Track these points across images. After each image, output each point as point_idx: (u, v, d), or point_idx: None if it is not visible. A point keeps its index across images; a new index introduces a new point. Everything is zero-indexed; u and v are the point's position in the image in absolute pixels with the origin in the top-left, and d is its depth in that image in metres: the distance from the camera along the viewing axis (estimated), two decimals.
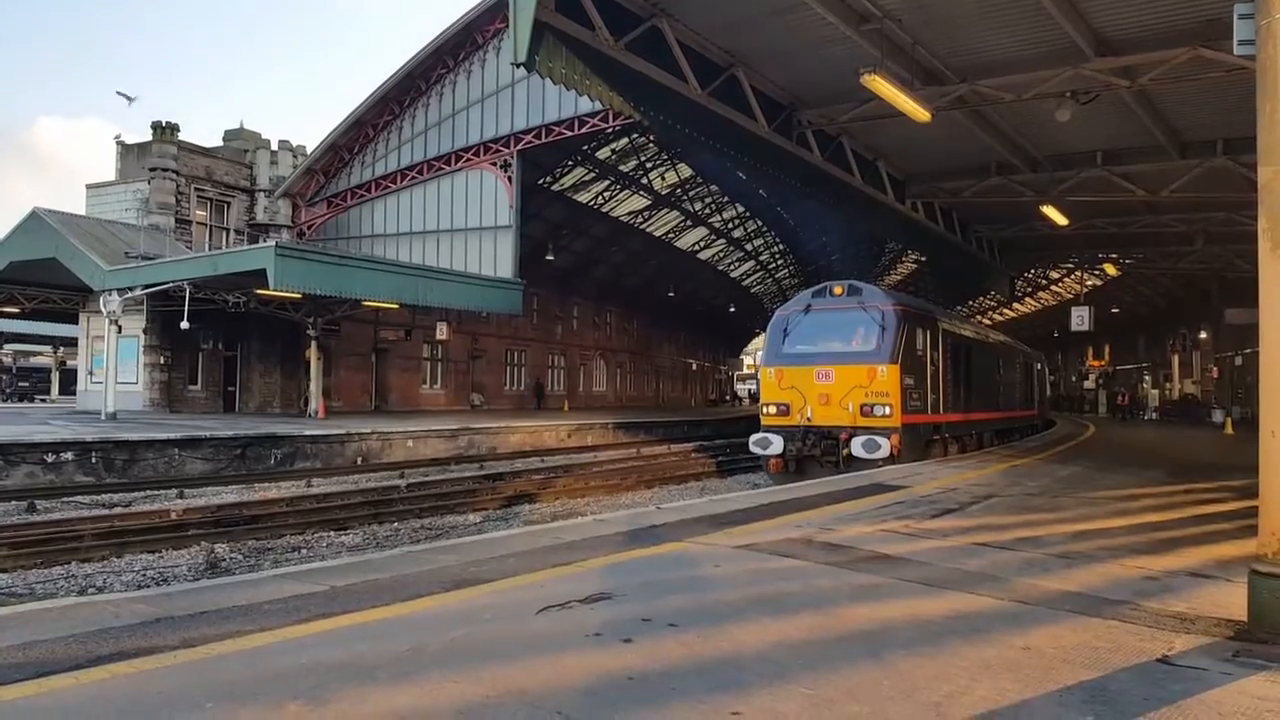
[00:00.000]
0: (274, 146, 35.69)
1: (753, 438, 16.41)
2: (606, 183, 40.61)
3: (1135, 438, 26.77)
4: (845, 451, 15.06)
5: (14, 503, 14.69)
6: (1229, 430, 29.61)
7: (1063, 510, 9.65)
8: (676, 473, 22.24)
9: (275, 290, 22.77)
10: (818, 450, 15.58)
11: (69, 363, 47.88)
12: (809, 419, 15.75)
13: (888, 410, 15.14)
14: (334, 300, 26.07)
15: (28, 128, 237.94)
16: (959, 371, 18.80)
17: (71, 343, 39.61)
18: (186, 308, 23.36)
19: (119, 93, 33.42)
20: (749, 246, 55.75)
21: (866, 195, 20.26)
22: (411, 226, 33.63)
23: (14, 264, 26.92)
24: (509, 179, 30.76)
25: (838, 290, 16.72)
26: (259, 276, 22.03)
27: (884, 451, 14.55)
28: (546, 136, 29.92)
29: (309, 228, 35.47)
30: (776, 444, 15.81)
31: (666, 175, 41.66)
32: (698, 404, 64.99)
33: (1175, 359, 51.02)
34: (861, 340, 15.81)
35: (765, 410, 16.54)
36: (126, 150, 33.40)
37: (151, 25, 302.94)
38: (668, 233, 48.98)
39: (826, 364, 15.90)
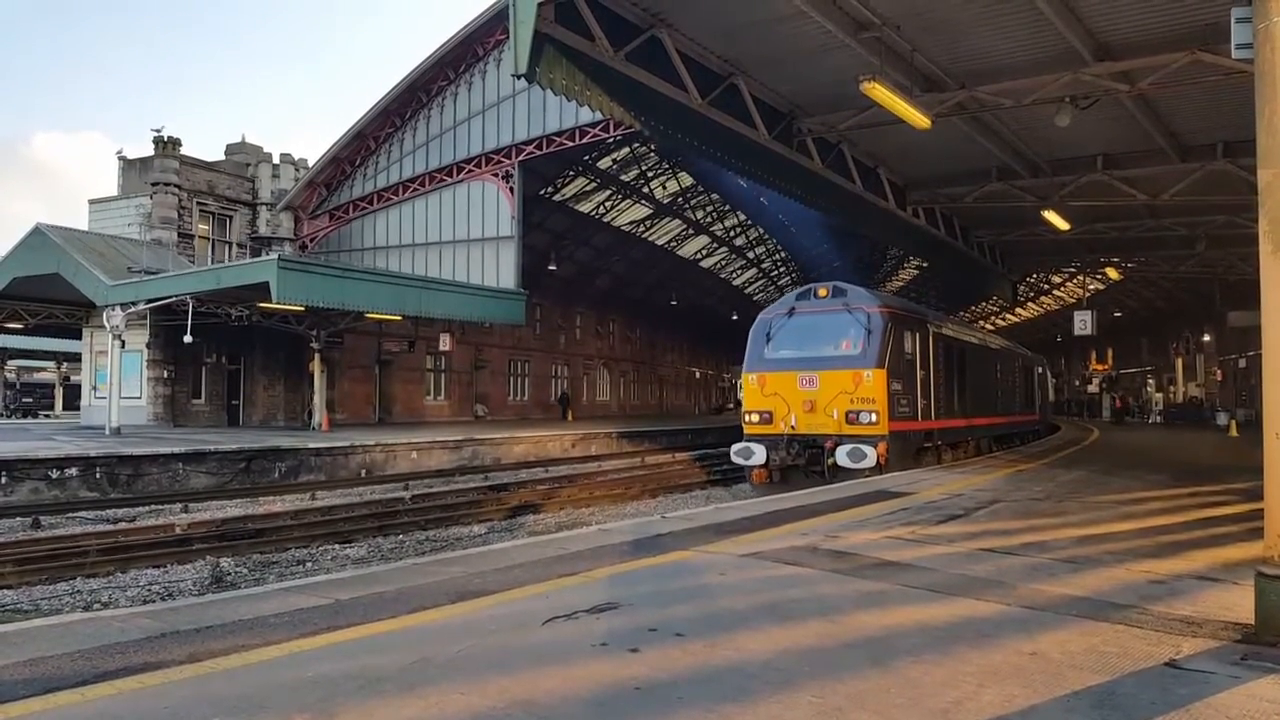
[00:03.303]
0: (275, 160, 35.81)
1: (734, 447, 15.97)
2: (608, 192, 40.73)
3: (1139, 441, 26.71)
4: (830, 461, 14.58)
5: (19, 519, 14.71)
6: (1234, 433, 29.53)
7: (1068, 515, 9.63)
8: (681, 481, 22.23)
9: (278, 303, 22.82)
10: (802, 460, 15.10)
11: (72, 378, 47.96)
12: (793, 427, 15.24)
13: (874, 417, 14.63)
14: (337, 312, 26.12)
15: (26, 142, 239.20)
16: (952, 376, 18.35)
17: (75, 358, 39.68)
18: (189, 321, 23.44)
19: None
20: (751, 254, 55.85)
21: (867, 202, 20.26)
22: (414, 238, 33.72)
23: (17, 279, 26.99)
24: (510, 190, 30.85)
25: (822, 292, 16.27)
26: (262, 290, 22.09)
27: (870, 460, 14.08)
28: (547, 147, 30.00)
29: (311, 240, 35.56)
30: (759, 454, 15.34)
31: (668, 184, 41.79)
32: (701, 412, 64.96)
33: (1179, 362, 51.00)
34: (846, 344, 15.31)
35: (747, 418, 16.08)
36: (129, 165, 33.54)
37: (148, 40, 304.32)
38: (669, 241, 49.08)
39: (810, 369, 15.39)
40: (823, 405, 15.09)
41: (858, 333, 15.23)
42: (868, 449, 14.15)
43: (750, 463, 15.59)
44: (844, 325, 15.48)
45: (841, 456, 14.33)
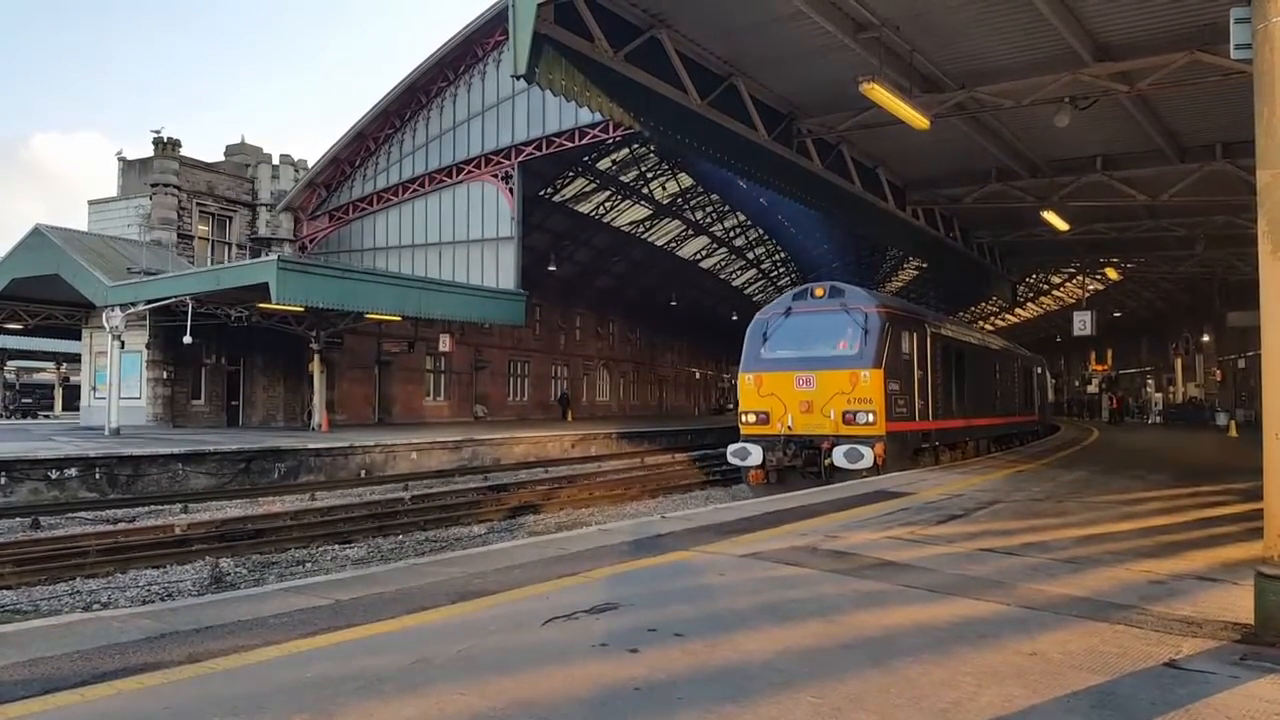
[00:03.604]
0: (275, 160, 35.82)
1: (730, 448, 15.85)
2: (608, 193, 40.76)
3: (1139, 442, 26.71)
4: (827, 462, 14.46)
5: (18, 519, 14.71)
6: (1233, 433, 29.53)
7: (1068, 515, 9.63)
8: (681, 482, 22.23)
9: (277, 304, 22.83)
10: (799, 461, 14.98)
11: (72, 379, 47.95)
12: (789, 428, 15.11)
13: (871, 418, 14.50)
14: (336, 313, 26.13)
15: (24, 143, 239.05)
16: (950, 376, 18.24)
17: (74, 359, 39.68)
18: (189, 322, 23.44)
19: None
20: (750, 255, 55.88)
21: (867, 202, 20.26)
22: (414, 239, 33.73)
23: (17, 280, 27.02)
24: (510, 190, 30.85)
25: (819, 292, 16.16)
26: (261, 290, 22.09)
27: (867, 461, 13.94)
28: (547, 148, 30.01)
29: (311, 241, 35.56)
30: (755, 454, 15.21)
31: (667, 185, 41.82)
32: (701, 412, 64.96)
33: (1178, 362, 50.99)
34: (843, 344, 15.20)
35: (744, 419, 15.96)
36: (128, 166, 33.55)
37: (147, 40, 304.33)
38: (669, 242, 49.09)
39: (807, 369, 15.27)
40: (820, 406, 14.98)
41: (855, 333, 15.12)
42: (865, 450, 14.02)
43: (746, 463, 15.43)
44: (841, 325, 15.36)
45: (838, 457, 14.22)
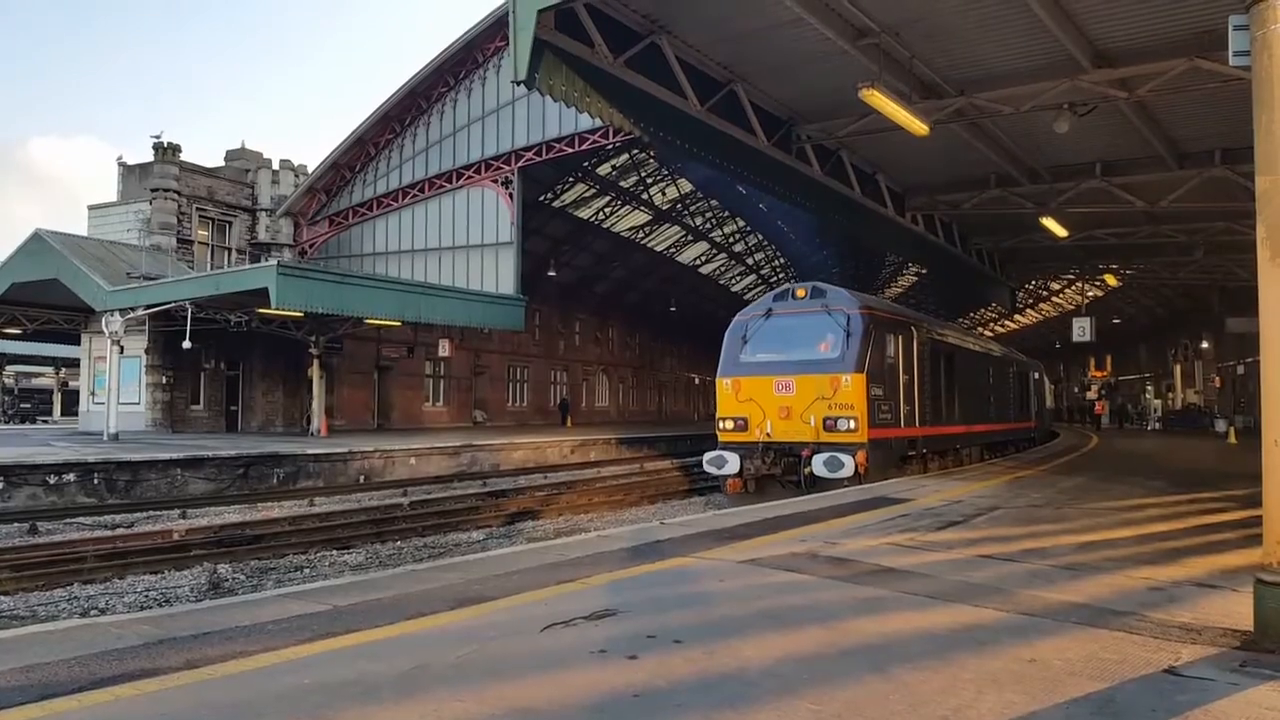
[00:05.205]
0: (275, 166, 35.87)
1: (706, 456, 15.25)
2: (607, 198, 40.81)
3: (1138, 448, 26.70)
4: (807, 470, 13.85)
5: (16, 524, 14.67)
6: (1232, 440, 29.49)
7: (1067, 521, 9.62)
8: (680, 487, 22.17)
9: (277, 309, 22.81)
10: (778, 469, 14.41)
11: (71, 383, 47.96)
12: (768, 434, 14.54)
13: (853, 424, 13.89)
14: (336, 318, 26.13)
15: (22, 147, 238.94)
16: (939, 381, 17.64)
17: (73, 363, 39.67)
18: (188, 327, 23.42)
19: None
20: (750, 261, 55.91)
21: (866, 208, 20.30)
22: (413, 244, 33.75)
23: (16, 285, 27.00)
24: (510, 196, 30.89)
25: (800, 293, 15.58)
26: (261, 295, 22.09)
27: (848, 470, 13.34)
28: (547, 153, 30.06)
29: (310, 246, 35.59)
30: (733, 463, 14.55)
31: (667, 190, 41.87)
32: (700, 417, 64.90)
33: (1177, 368, 51.00)
34: (824, 347, 14.65)
35: (721, 425, 15.31)
36: (128, 171, 33.58)
37: (150, 44, 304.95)
38: (669, 248, 49.13)
39: (787, 374, 14.64)
40: (799, 412, 14.42)
41: (837, 335, 14.56)
42: (845, 458, 13.47)
43: (724, 472, 14.85)
44: (822, 327, 14.78)
45: (818, 465, 13.65)
